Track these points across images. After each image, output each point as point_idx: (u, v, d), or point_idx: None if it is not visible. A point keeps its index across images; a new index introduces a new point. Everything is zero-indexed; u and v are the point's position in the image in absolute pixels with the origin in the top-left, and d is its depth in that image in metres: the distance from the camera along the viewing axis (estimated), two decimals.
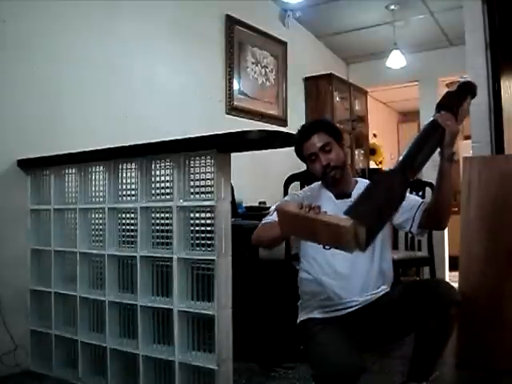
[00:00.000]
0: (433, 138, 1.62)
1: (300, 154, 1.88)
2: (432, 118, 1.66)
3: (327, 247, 1.74)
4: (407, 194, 1.84)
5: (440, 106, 1.71)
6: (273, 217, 1.76)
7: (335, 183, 1.83)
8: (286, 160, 4.23)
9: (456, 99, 1.75)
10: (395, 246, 3.26)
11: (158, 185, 2.08)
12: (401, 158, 1.55)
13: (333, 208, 1.78)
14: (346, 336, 1.64)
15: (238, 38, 4.11)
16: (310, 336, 1.72)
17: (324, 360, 1.56)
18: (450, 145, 1.64)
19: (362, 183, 1.89)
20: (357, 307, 1.77)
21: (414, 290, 1.79)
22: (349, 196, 1.83)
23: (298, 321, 1.86)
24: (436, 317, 1.64)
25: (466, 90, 1.79)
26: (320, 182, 1.92)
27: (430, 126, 1.65)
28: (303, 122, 4.84)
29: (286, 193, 2.92)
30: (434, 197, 1.75)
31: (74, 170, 2.42)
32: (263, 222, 1.81)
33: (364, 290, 1.77)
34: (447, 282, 1.81)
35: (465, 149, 5.61)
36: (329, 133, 1.83)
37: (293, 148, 1.90)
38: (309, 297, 1.85)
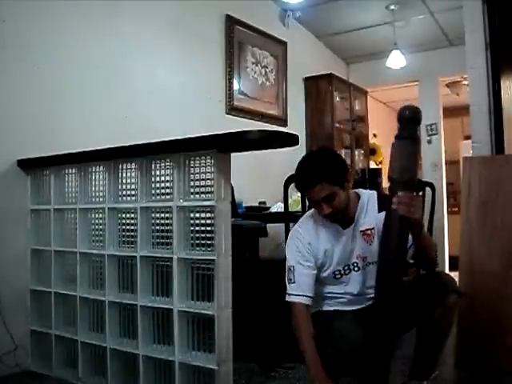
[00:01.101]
0: (403, 244, 1.50)
1: (301, 191, 1.85)
2: (393, 206, 1.48)
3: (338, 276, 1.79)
4: None
5: (394, 184, 1.51)
6: (296, 284, 1.75)
7: (337, 221, 1.81)
8: (286, 160, 4.24)
9: (409, 161, 1.47)
10: None
11: (158, 185, 2.08)
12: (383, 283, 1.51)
13: (341, 240, 1.80)
14: (359, 322, 1.67)
15: (237, 38, 4.11)
16: (323, 322, 1.74)
17: (343, 336, 1.58)
18: (418, 225, 1.57)
19: (364, 199, 1.83)
20: (361, 306, 1.80)
21: (414, 283, 1.80)
22: (352, 221, 1.80)
23: None
24: (437, 305, 1.66)
25: (414, 128, 1.51)
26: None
27: (397, 227, 1.48)
28: (303, 123, 4.74)
29: (286, 193, 2.91)
30: (417, 258, 1.74)
31: (73, 170, 2.42)
32: (291, 295, 1.76)
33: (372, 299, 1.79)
34: (446, 273, 1.83)
35: (465, 149, 5.62)
36: (333, 182, 1.70)
37: (293, 148, 1.90)
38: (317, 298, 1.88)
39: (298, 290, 1.75)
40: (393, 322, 1.50)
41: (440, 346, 1.78)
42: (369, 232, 1.78)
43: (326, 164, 1.73)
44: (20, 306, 2.52)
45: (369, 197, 1.84)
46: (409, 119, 1.50)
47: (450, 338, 1.82)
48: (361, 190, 1.87)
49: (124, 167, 2.20)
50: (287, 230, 2.83)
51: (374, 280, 1.71)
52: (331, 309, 1.82)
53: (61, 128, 2.74)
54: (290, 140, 1.85)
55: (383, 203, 1.74)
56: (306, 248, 1.79)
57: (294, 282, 1.76)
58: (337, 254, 1.80)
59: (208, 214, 1.92)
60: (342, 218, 1.78)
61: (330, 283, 1.83)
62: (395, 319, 1.52)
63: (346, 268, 1.80)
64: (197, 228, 1.95)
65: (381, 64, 5.14)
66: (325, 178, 1.69)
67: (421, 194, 3.57)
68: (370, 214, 1.80)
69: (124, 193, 2.21)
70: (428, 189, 3.58)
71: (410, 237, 1.60)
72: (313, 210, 1.87)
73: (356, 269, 1.79)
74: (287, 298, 1.77)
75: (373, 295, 1.75)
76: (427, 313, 1.68)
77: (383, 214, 1.66)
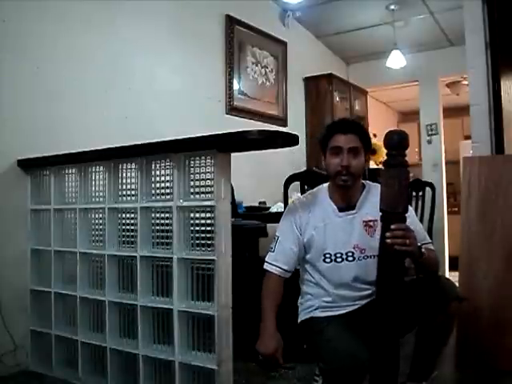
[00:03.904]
0: (401, 277, 1.50)
1: (324, 140, 1.80)
2: (387, 241, 1.46)
3: (328, 260, 1.77)
4: (417, 223, 1.83)
5: (386, 216, 1.47)
6: (275, 254, 1.81)
7: (343, 189, 1.78)
8: (286, 160, 4.26)
9: (400, 190, 1.42)
10: None
11: (158, 185, 2.08)
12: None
13: (336, 222, 1.78)
14: (351, 331, 1.65)
15: (238, 38, 4.11)
16: (315, 332, 1.73)
17: (334, 353, 1.56)
18: (415, 255, 1.57)
19: (370, 189, 1.83)
20: (357, 306, 1.78)
21: (414, 286, 1.78)
22: (353, 207, 1.79)
23: (299, 320, 1.86)
24: (437, 312, 1.64)
25: (403, 154, 1.44)
26: (325, 188, 1.87)
27: (394, 262, 1.47)
28: (303, 123, 4.77)
29: (286, 193, 2.92)
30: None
31: (73, 170, 2.42)
32: (267, 263, 1.82)
33: (368, 296, 1.78)
34: (447, 278, 1.82)
35: (465, 149, 5.62)
36: (364, 143, 1.76)
37: (292, 148, 1.90)
38: (310, 297, 1.85)
39: (275, 261, 1.79)
40: (392, 325, 1.49)
41: (439, 350, 1.78)
42: (371, 224, 1.75)
43: (362, 125, 1.84)
44: (20, 305, 2.52)
45: (376, 189, 1.79)
46: (397, 145, 1.45)
47: (449, 339, 1.82)
48: (368, 182, 1.87)
49: (124, 167, 2.20)
50: None
51: (370, 275, 1.70)
52: (323, 315, 1.78)
53: (61, 128, 2.74)
54: (290, 140, 1.84)
55: None
56: (296, 223, 1.81)
57: (273, 252, 1.81)
58: (330, 235, 1.77)
59: (208, 214, 1.92)
60: (350, 185, 1.75)
61: (320, 269, 1.80)
62: (395, 324, 1.52)
63: (339, 256, 1.76)
64: (197, 228, 1.95)
65: (381, 64, 5.13)
66: (359, 133, 1.75)
67: (421, 194, 3.59)
68: (375, 205, 1.72)
69: (124, 193, 2.21)
70: (428, 189, 3.59)
71: None
72: (316, 188, 1.91)
73: (350, 258, 1.76)
74: (264, 266, 1.82)
75: (367, 292, 1.75)
76: (427, 320, 1.67)
77: None
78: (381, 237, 1.49)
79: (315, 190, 1.93)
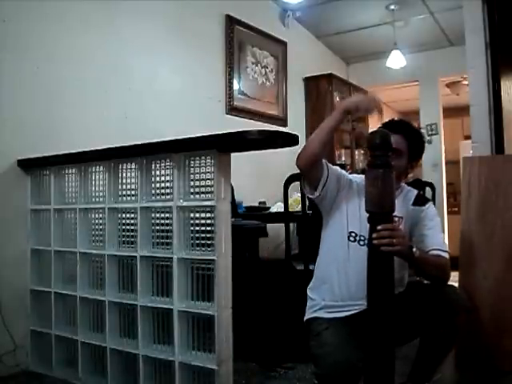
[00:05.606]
0: (390, 279, 1.46)
1: None
2: (374, 242, 1.44)
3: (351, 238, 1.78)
4: (434, 229, 1.82)
5: (373, 217, 1.45)
6: None
7: None
8: (286, 160, 4.24)
9: (385, 190, 1.41)
10: None
11: (158, 185, 2.08)
12: None
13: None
14: (350, 336, 1.64)
15: (238, 38, 4.11)
16: (314, 334, 1.73)
17: (327, 359, 1.57)
18: (406, 255, 1.57)
19: (406, 192, 1.88)
20: (361, 309, 1.77)
21: (422, 294, 1.77)
22: None
23: (305, 319, 1.87)
24: (445, 323, 1.64)
25: (386, 154, 1.43)
26: None
27: (382, 263, 1.44)
28: (303, 123, 4.77)
29: (286, 193, 2.91)
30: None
31: (73, 170, 2.42)
32: None
33: None
34: (456, 288, 1.80)
35: (465, 149, 5.62)
36: (409, 145, 1.78)
37: (292, 148, 1.90)
38: (319, 283, 1.85)
39: None
40: (383, 328, 1.47)
41: (442, 356, 1.77)
42: (396, 219, 1.71)
43: (418, 133, 1.86)
44: (20, 305, 2.52)
45: (409, 190, 1.90)
46: (380, 145, 1.44)
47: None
48: (407, 186, 1.94)
49: (124, 167, 2.20)
50: (287, 230, 2.84)
51: None
52: (326, 316, 1.77)
53: (61, 128, 2.74)
54: (290, 140, 1.84)
55: (418, 201, 1.86)
56: (346, 177, 1.86)
57: None
58: (360, 216, 1.74)
59: (208, 214, 1.92)
60: None
61: (344, 247, 1.79)
62: (386, 326, 1.50)
63: (362, 238, 1.76)
64: (197, 228, 1.95)
65: (381, 64, 5.14)
66: (407, 137, 1.77)
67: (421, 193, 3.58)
68: (404, 204, 1.82)
69: (124, 193, 2.21)
70: (428, 189, 3.59)
71: None
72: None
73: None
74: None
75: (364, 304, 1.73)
76: (434, 329, 1.67)
77: (413, 208, 1.80)
78: (368, 238, 1.48)
79: (360, 175, 1.96)
